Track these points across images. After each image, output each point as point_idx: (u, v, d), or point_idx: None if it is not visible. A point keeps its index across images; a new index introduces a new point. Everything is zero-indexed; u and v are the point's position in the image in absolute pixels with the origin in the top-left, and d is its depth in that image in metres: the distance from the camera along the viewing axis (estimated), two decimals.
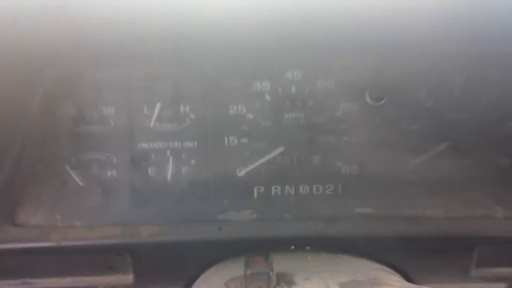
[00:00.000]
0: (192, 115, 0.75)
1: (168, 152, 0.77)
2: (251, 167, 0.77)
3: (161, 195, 0.76)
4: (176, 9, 0.61)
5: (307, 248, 0.75)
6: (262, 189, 0.78)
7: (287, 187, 0.77)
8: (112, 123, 0.75)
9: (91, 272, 0.76)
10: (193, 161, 0.76)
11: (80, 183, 0.76)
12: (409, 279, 0.73)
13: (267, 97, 0.74)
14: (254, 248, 0.70)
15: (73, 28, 0.63)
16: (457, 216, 0.73)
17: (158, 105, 0.74)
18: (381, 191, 0.76)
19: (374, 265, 0.71)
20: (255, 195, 0.77)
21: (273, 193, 0.78)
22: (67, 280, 0.77)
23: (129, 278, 0.75)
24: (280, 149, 0.76)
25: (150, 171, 0.77)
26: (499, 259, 0.72)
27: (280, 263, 0.63)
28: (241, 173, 0.77)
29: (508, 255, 0.70)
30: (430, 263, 0.74)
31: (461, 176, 0.75)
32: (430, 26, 0.64)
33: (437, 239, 0.72)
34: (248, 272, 0.55)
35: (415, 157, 0.75)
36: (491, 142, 0.75)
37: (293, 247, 0.75)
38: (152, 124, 0.75)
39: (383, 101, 0.73)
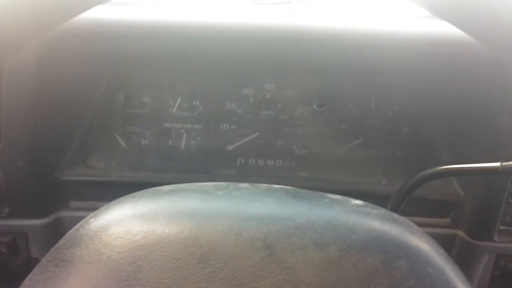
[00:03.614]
0: (200, 107, 0.96)
1: (183, 131, 0.97)
2: (236, 144, 0.98)
3: (176, 158, 0.97)
4: (202, 39, 0.88)
5: None
6: (243, 160, 0.99)
7: (259, 160, 0.99)
8: (148, 108, 0.96)
9: None
10: (198, 138, 0.97)
11: (124, 146, 0.97)
12: None
13: (251, 99, 0.96)
14: None
15: (134, 44, 0.89)
16: (358, 181, 0.98)
17: (179, 99, 0.95)
18: (319, 165, 1.01)
19: None
20: (238, 163, 0.99)
21: (249, 163, 0.99)
22: None
23: None
24: (256, 134, 0.97)
25: (170, 142, 0.98)
26: None
27: None
28: (230, 148, 0.98)
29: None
30: None
31: (367, 160, 0.98)
32: (358, 61, 0.91)
33: (339, 192, 0.92)
34: None
35: (341, 146, 0.99)
36: (390, 139, 1.00)
37: None
38: (174, 111, 0.96)
39: (323, 108, 0.97)
